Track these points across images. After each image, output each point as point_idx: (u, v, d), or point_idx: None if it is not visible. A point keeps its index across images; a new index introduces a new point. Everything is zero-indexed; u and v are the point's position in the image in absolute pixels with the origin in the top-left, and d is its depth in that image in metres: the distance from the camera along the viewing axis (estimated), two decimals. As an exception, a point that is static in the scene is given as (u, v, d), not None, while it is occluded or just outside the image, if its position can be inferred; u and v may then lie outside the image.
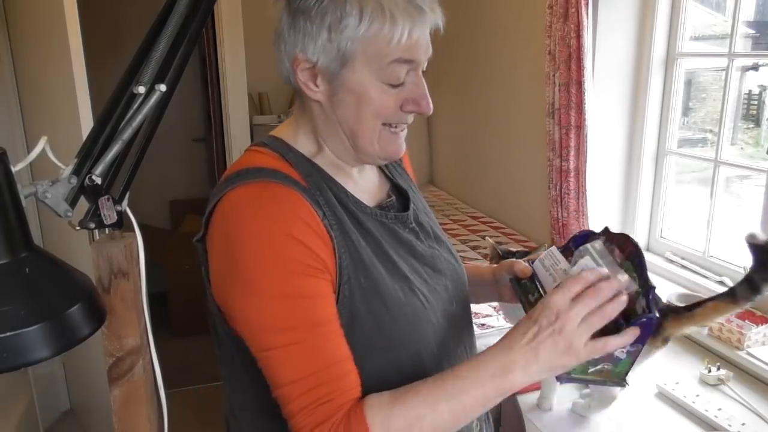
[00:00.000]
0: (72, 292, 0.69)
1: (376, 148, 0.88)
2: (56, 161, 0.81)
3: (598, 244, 0.88)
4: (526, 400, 1.45)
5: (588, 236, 0.94)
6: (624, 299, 0.79)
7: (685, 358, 1.62)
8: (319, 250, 0.79)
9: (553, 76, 2.02)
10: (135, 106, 0.83)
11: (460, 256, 1.05)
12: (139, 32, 0.85)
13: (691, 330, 1.17)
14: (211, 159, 4.26)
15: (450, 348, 0.94)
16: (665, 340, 1.17)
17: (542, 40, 2.08)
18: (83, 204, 0.84)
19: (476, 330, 1.28)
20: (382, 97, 0.84)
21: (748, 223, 1.85)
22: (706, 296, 1.16)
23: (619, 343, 0.78)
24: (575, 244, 0.94)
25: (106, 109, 0.82)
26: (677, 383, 1.47)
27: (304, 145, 0.90)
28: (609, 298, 0.78)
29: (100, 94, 1.22)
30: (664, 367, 1.52)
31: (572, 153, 2.01)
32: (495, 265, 1.08)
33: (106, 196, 0.83)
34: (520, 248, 1.44)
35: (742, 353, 1.55)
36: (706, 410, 1.36)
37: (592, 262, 0.83)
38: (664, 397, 1.46)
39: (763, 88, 2.00)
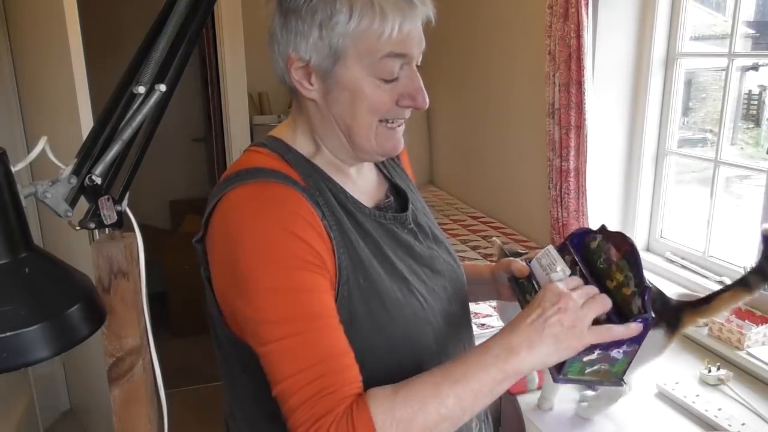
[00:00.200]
0: (72, 292, 0.69)
1: (373, 145, 0.88)
2: (56, 161, 0.81)
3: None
4: (526, 400, 1.45)
5: (585, 234, 0.94)
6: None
7: (685, 358, 1.62)
8: (319, 248, 0.79)
9: (553, 76, 2.02)
10: (135, 106, 0.83)
11: (460, 256, 1.05)
12: (139, 32, 0.85)
13: (693, 328, 1.21)
14: (211, 159, 4.26)
15: (449, 348, 0.93)
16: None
17: (542, 40, 2.08)
18: (83, 204, 0.84)
19: (476, 330, 1.28)
20: (377, 93, 0.84)
21: (748, 223, 1.85)
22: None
23: (622, 332, 0.78)
24: (572, 242, 0.94)
25: (106, 109, 0.82)
26: (677, 383, 1.47)
27: (302, 145, 0.90)
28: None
29: (100, 94, 1.22)
30: (664, 367, 1.52)
31: (572, 153, 2.01)
32: (493, 264, 1.08)
33: (106, 196, 0.83)
34: (527, 250, 1.43)
35: (742, 353, 1.55)
36: (706, 410, 1.37)
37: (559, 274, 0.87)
38: (664, 397, 1.46)
39: (763, 88, 2.00)
